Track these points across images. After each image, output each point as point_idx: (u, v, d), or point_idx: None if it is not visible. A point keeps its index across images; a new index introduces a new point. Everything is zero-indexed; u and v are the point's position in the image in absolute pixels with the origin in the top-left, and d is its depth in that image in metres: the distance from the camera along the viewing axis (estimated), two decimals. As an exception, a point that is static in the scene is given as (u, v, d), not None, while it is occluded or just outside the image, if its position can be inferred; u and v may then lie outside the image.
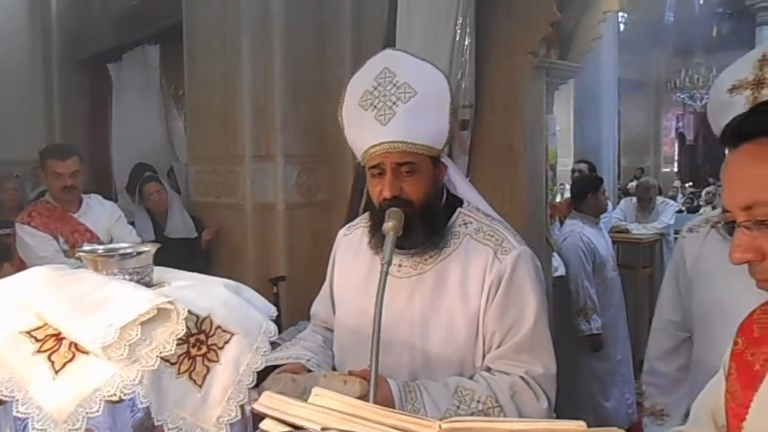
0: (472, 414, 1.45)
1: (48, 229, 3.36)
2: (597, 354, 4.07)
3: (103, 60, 6.45)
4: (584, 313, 3.97)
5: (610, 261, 4.36)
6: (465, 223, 1.63)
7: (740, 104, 1.69)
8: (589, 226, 4.27)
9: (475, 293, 1.56)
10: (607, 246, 4.37)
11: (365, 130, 1.54)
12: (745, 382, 1.03)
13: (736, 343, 1.09)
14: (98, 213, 3.57)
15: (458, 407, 1.46)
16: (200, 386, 0.97)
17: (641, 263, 5.51)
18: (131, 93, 6.00)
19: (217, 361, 0.98)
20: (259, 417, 0.99)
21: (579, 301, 4.00)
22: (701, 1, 16.17)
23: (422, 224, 1.54)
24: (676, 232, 6.17)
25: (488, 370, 1.55)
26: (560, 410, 1.62)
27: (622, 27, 12.36)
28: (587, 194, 4.32)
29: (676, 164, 18.79)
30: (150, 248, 1.06)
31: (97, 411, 0.86)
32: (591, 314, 3.99)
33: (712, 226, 1.86)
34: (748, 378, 1.02)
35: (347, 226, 1.87)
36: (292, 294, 3.84)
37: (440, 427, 0.85)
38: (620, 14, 11.70)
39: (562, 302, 3.95)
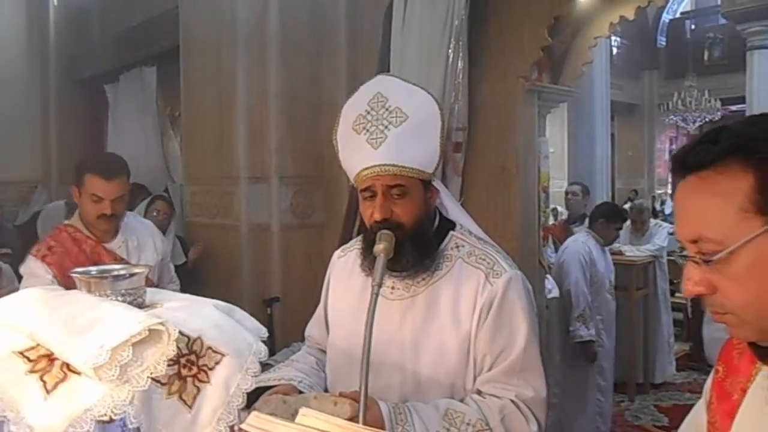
0: (462, 437, 1.45)
1: (64, 274, 2.32)
2: (580, 372, 4.05)
3: (100, 81, 6.50)
4: (583, 318, 3.97)
5: (607, 284, 4.39)
6: (457, 246, 1.64)
7: None
8: (594, 242, 4.39)
9: (466, 316, 1.57)
10: (607, 267, 4.42)
11: (357, 154, 1.56)
12: (724, 411, 1.02)
13: (716, 371, 1.08)
14: (143, 243, 2.76)
15: (448, 430, 1.45)
16: (190, 407, 0.98)
17: (635, 285, 5.52)
18: (128, 113, 6.03)
19: (208, 382, 0.99)
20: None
21: (579, 306, 4.02)
22: (693, 26, 16.42)
23: (413, 247, 1.55)
24: (670, 254, 6.22)
25: (479, 393, 1.55)
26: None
27: (615, 51, 12.53)
28: (600, 219, 4.45)
29: (669, 186, 18.88)
30: (143, 270, 1.08)
31: (88, 431, 0.87)
32: (589, 320, 4.00)
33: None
34: (727, 408, 1.01)
35: (342, 248, 1.88)
36: (286, 315, 3.85)
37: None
38: (613, 38, 11.87)
39: (555, 323, 3.95)
